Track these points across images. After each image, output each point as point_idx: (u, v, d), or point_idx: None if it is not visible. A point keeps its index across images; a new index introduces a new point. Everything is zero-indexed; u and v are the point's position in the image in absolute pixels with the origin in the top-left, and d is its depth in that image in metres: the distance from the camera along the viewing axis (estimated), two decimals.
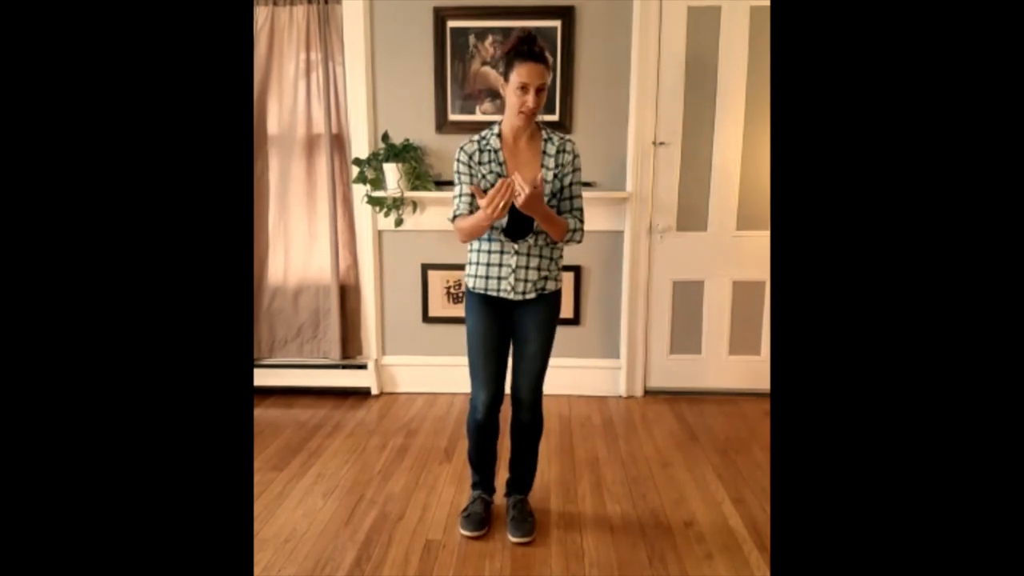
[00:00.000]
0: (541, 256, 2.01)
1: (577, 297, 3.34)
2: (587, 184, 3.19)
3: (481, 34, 3.12)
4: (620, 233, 3.27)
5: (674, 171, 3.20)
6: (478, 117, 3.19)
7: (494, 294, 2.02)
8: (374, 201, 3.18)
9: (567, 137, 2.03)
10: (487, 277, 2.01)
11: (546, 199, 1.96)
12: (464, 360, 3.48)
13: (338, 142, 3.25)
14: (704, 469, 2.58)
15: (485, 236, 2.00)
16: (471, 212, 1.98)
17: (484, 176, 1.97)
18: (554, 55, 3.12)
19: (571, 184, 2.01)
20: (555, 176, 1.97)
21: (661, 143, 3.18)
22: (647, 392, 3.42)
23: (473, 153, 1.98)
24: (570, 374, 3.40)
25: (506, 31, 3.10)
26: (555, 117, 3.17)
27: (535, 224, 1.94)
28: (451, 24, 3.11)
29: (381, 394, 3.44)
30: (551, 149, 1.98)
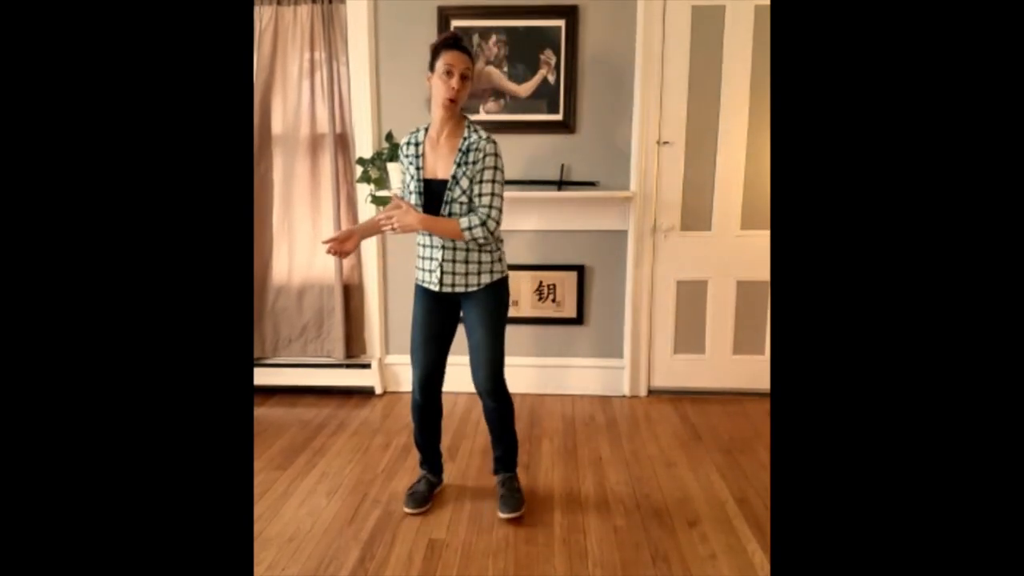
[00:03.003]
0: (468, 250, 2.08)
1: (580, 297, 3.34)
2: (591, 183, 3.19)
3: (485, 33, 3.12)
4: (624, 232, 3.26)
5: (678, 170, 3.20)
6: (482, 116, 3.19)
7: (427, 286, 2.14)
8: (378, 200, 3.18)
9: (485, 136, 2.06)
10: (421, 269, 2.15)
11: (449, 195, 2.02)
12: (464, 359, 3.51)
13: (342, 141, 3.26)
14: (708, 469, 2.57)
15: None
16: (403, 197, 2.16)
17: (406, 168, 2.11)
18: (558, 55, 3.12)
19: (480, 182, 2.03)
20: (463, 174, 2.02)
21: (665, 142, 3.17)
22: (651, 392, 3.41)
23: (402, 146, 2.14)
24: (573, 374, 3.40)
25: (510, 30, 3.10)
26: (559, 116, 3.17)
27: (443, 214, 2.04)
28: (455, 23, 3.11)
29: (384, 393, 3.44)
30: (463, 146, 2.03)
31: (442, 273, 2.08)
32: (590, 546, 2.05)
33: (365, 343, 3.43)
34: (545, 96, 3.16)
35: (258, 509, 2.28)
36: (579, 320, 3.36)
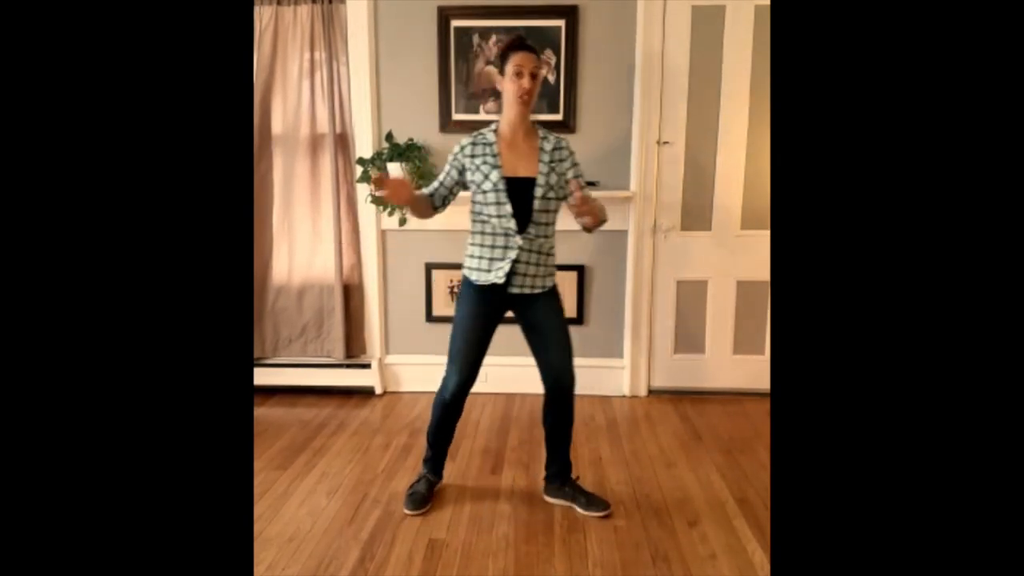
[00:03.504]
0: (540, 252, 2.14)
1: (581, 297, 3.34)
2: (591, 183, 3.19)
3: (485, 33, 3.12)
4: (624, 232, 3.26)
5: (678, 170, 3.20)
6: (482, 116, 3.19)
7: (498, 281, 2.11)
8: (378, 201, 3.18)
9: (562, 137, 2.18)
10: (484, 270, 2.13)
11: (542, 191, 2.08)
12: None
13: (342, 141, 3.26)
14: (708, 469, 2.57)
15: (489, 230, 2.11)
16: (435, 202, 2.20)
17: (478, 168, 2.10)
18: (558, 55, 3.11)
19: (576, 177, 2.15)
20: (551, 171, 2.09)
21: (665, 142, 3.17)
22: (651, 392, 3.41)
23: (466, 146, 2.14)
24: None
25: (510, 30, 3.10)
26: (559, 116, 3.16)
27: (534, 215, 2.08)
28: (455, 23, 3.12)
29: (384, 393, 3.44)
30: (547, 146, 2.11)
31: (514, 274, 2.10)
32: (590, 546, 2.05)
33: (365, 343, 3.43)
34: (545, 96, 3.16)
35: (258, 509, 2.28)
36: (579, 320, 3.36)
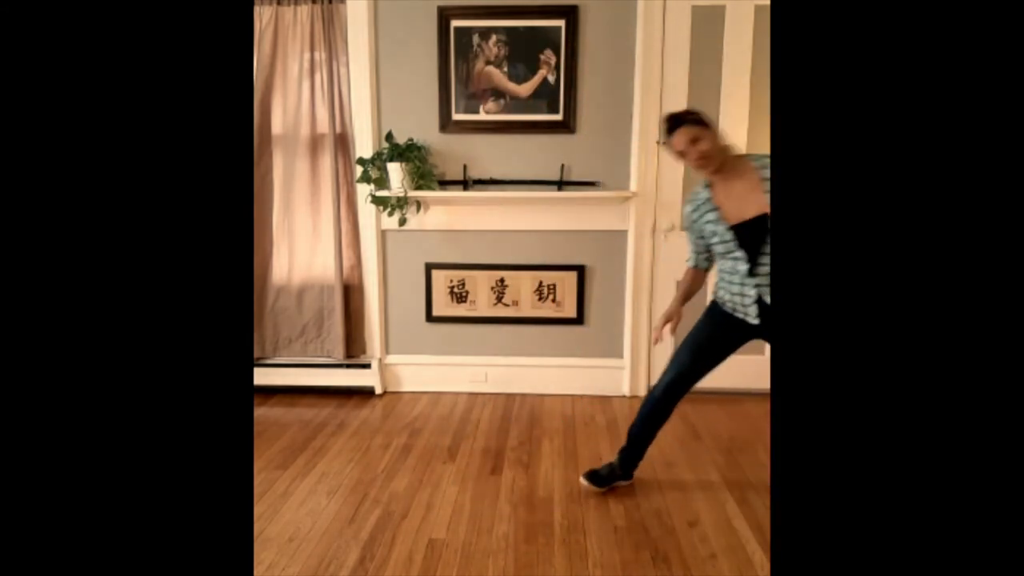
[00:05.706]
0: None
1: (580, 297, 3.34)
2: (591, 183, 3.19)
3: (485, 33, 3.12)
4: (624, 232, 3.26)
5: (678, 170, 3.20)
6: (482, 116, 3.19)
7: (740, 317, 2.14)
8: (378, 201, 3.18)
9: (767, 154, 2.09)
10: (733, 302, 2.16)
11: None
12: (466, 360, 3.49)
13: (342, 142, 3.26)
14: (708, 469, 2.57)
15: (729, 266, 2.11)
16: (701, 265, 2.27)
17: (705, 225, 2.12)
18: (558, 54, 3.12)
19: None
20: None
21: (665, 142, 3.17)
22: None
23: (690, 213, 2.18)
24: (573, 374, 3.40)
25: (510, 30, 3.10)
26: (559, 116, 3.17)
27: (764, 247, 2.02)
28: (455, 24, 3.12)
29: (385, 393, 3.44)
30: (767, 174, 2.00)
31: (756, 310, 2.07)
32: (590, 546, 2.05)
33: (365, 343, 3.43)
34: (545, 96, 3.16)
35: (258, 509, 2.28)
36: (579, 320, 3.36)
